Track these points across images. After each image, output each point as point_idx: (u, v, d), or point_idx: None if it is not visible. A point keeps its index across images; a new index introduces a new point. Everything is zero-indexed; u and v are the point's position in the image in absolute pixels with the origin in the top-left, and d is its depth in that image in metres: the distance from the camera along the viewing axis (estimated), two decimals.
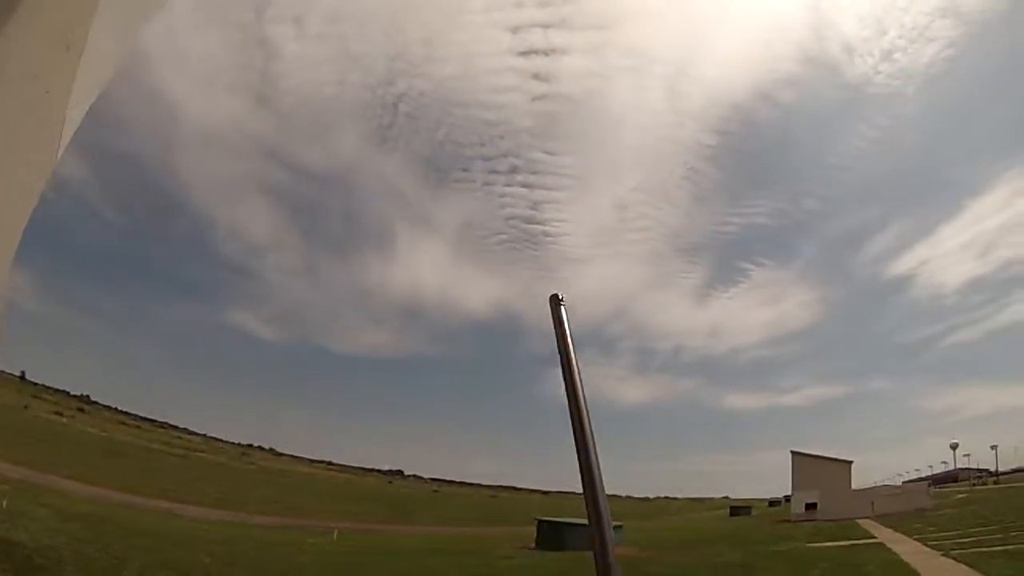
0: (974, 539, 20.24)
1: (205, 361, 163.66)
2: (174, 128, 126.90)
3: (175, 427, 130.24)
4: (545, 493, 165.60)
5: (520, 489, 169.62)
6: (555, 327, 0.99)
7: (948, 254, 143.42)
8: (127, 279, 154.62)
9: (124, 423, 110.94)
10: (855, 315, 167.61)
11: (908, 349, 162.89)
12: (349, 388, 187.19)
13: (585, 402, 0.96)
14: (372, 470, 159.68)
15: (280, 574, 12.86)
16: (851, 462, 54.93)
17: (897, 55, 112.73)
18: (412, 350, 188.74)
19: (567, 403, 0.96)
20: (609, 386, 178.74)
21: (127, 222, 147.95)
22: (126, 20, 1.70)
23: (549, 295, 1.07)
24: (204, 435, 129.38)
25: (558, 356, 0.99)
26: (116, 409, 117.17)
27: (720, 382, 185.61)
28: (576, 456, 0.96)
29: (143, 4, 1.82)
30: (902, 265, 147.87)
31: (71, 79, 1.47)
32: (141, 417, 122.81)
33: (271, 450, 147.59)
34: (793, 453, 56.45)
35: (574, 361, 0.96)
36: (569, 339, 1.01)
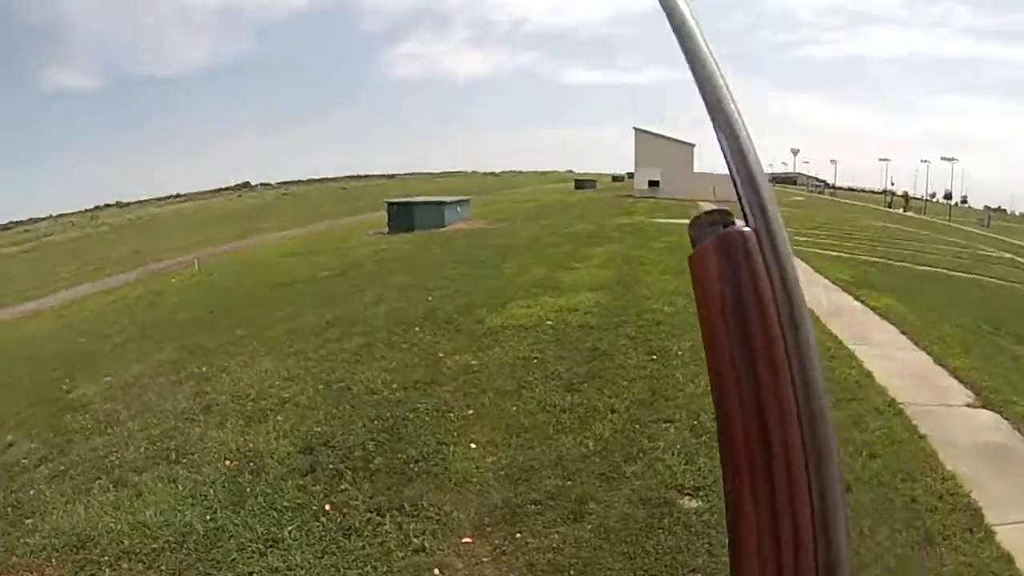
0: (808, 240, 21.45)
1: (32, 136, 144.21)
2: None
3: (20, 222, 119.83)
4: (391, 176, 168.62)
5: (369, 176, 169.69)
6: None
7: None
8: None
9: None
10: (708, 4, 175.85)
11: (758, 51, 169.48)
12: (181, 111, 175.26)
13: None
14: (219, 190, 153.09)
15: (153, 324, 13.28)
16: (694, 144, 54.48)
17: None
18: (238, 54, 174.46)
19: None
20: (447, 61, 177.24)
21: None
22: None
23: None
24: (50, 216, 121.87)
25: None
26: None
27: (562, 55, 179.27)
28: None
29: None
30: None
31: None
32: None
33: (117, 204, 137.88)
34: (636, 130, 55.32)
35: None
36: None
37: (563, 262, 14.27)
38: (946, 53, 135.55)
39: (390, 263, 17.63)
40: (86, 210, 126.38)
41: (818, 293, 11.18)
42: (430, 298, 11.17)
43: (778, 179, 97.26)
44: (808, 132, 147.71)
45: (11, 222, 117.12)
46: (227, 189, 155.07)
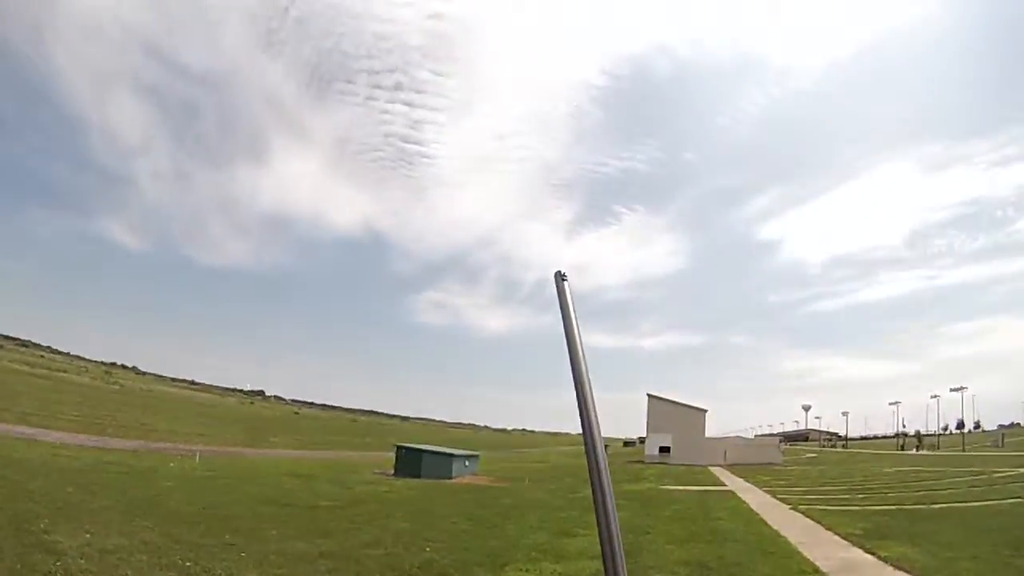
0: (821, 496, 20.99)
1: (68, 273, 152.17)
2: (48, 14, 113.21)
3: (38, 345, 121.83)
4: (404, 419, 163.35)
5: (380, 414, 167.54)
6: (560, 305, 0.92)
7: (818, 227, 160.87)
8: None
9: None
10: (722, 271, 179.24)
11: (770, 310, 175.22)
12: (213, 303, 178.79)
13: (590, 385, 0.83)
14: (234, 390, 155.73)
15: (144, 500, 12.73)
16: (705, 410, 56.36)
17: (806, 32, 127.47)
18: (277, 264, 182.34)
19: (574, 387, 0.84)
20: (470, 314, 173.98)
21: None
22: None
23: (554, 272, 1.01)
24: (68, 354, 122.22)
25: (564, 335, 0.91)
26: None
27: (582, 319, 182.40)
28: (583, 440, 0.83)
29: None
30: (773, 230, 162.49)
31: None
32: (1, 336, 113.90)
33: (134, 368, 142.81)
34: (649, 396, 56.63)
35: (578, 341, 0.86)
36: (574, 318, 0.93)
37: (567, 528, 13.80)
38: (950, 281, 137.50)
39: (393, 506, 17.25)
40: (102, 363, 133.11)
41: (827, 552, 11.01)
42: (428, 549, 10.76)
43: (790, 437, 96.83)
44: (821, 386, 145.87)
45: (30, 341, 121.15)
46: (241, 391, 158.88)
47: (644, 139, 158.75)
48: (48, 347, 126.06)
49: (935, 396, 79.56)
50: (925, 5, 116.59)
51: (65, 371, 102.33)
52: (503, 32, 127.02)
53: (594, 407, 0.81)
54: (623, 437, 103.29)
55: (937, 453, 54.55)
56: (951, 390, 72.24)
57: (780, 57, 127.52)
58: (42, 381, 71.95)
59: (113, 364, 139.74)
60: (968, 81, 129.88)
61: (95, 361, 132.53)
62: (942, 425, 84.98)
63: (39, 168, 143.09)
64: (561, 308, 0.95)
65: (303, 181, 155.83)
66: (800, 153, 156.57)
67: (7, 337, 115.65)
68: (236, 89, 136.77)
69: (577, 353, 0.84)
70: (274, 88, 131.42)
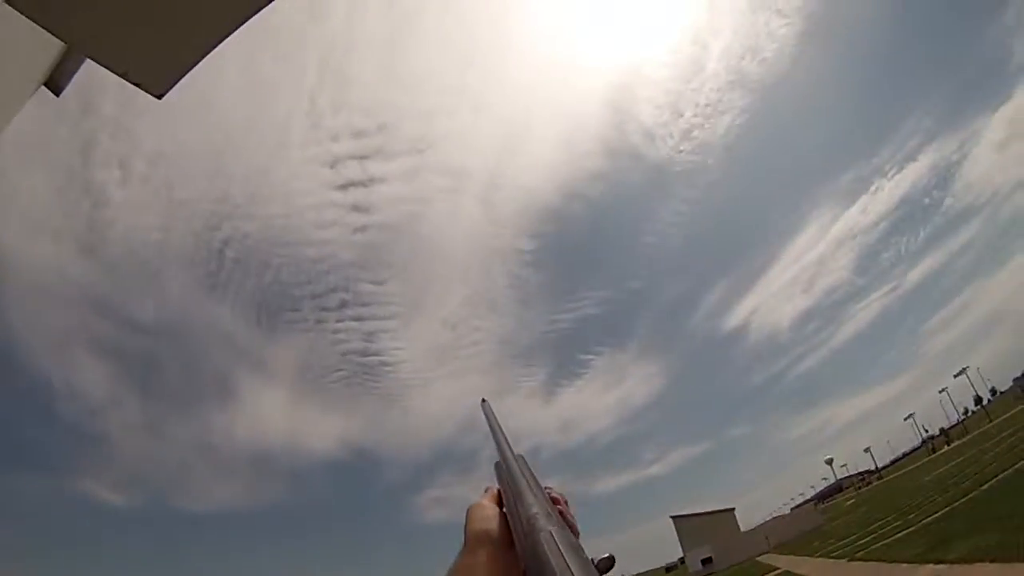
0: (875, 535, 20.36)
1: (57, 536, 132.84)
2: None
3: None
4: None
5: None
6: (490, 427, 1.00)
7: (776, 296, 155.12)
8: None
9: None
10: (700, 375, 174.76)
11: (758, 390, 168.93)
12: (210, 550, 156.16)
13: (536, 492, 0.76)
14: None
15: None
16: (733, 508, 56.04)
17: (695, 132, 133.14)
18: (268, 500, 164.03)
19: (509, 503, 0.78)
20: (476, 500, 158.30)
21: None
22: None
23: (480, 400, 1.08)
24: None
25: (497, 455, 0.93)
26: None
27: (584, 471, 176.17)
28: None
29: None
30: (735, 318, 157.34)
31: None
32: None
33: None
34: (673, 518, 56.70)
35: (510, 454, 0.88)
36: (503, 436, 0.95)
37: None
38: (913, 282, 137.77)
39: None
40: None
41: None
42: None
43: (825, 495, 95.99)
44: (836, 435, 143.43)
45: None
46: None
47: (587, 283, 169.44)
48: None
49: (943, 390, 78.35)
50: (779, 64, 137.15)
51: None
52: (427, 227, 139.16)
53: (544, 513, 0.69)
54: (663, 564, 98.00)
55: (967, 438, 53.42)
56: (955, 376, 71.40)
57: (680, 164, 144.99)
58: None
59: None
60: (848, 102, 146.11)
61: None
62: (962, 411, 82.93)
63: (8, 433, 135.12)
64: (492, 431, 0.98)
65: (274, 413, 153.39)
66: (734, 238, 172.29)
67: None
68: (190, 336, 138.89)
69: (512, 465, 0.82)
70: (226, 328, 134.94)
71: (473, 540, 0.72)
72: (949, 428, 78.04)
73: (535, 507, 0.65)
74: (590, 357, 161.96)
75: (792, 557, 28.58)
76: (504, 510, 0.77)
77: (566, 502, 0.81)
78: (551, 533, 0.58)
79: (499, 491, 0.82)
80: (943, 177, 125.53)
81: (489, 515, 0.76)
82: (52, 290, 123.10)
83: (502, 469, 0.86)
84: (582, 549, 0.59)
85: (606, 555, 0.69)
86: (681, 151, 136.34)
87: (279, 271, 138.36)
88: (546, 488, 0.79)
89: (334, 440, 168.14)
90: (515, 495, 0.73)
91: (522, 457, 0.89)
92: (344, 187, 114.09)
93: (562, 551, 0.56)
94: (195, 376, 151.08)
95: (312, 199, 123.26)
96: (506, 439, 0.95)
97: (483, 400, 1.08)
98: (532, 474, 0.83)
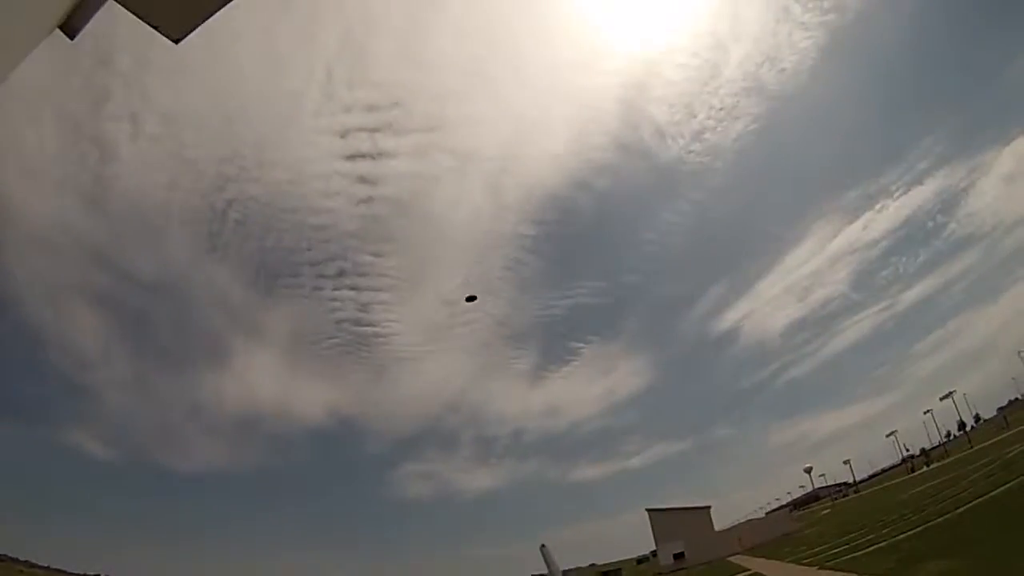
0: (847, 546, 20.60)
1: (42, 487, 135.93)
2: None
3: (15, 560, 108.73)
4: None
5: None
6: (548, 568, 1.03)
7: (770, 303, 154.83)
8: None
9: None
10: (689, 373, 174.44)
11: (745, 394, 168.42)
12: (193, 510, 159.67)
13: None
14: None
15: None
16: (709, 506, 56.39)
17: (707, 134, 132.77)
18: (252, 463, 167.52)
19: None
20: (456, 478, 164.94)
21: None
22: None
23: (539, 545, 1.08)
24: (47, 567, 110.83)
25: None
26: None
27: (564, 457, 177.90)
28: None
29: None
30: (727, 321, 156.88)
31: None
32: None
33: None
34: (648, 511, 56.83)
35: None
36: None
37: None
38: (909, 302, 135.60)
39: None
40: (83, 575, 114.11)
41: None
42: None
43: (801, 502, 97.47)
44: (817, 445, 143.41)
45: (6, 555, 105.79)
46: None
47: (584, 273, 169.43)
48: (27, 561, 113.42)
49: (927, 411, 79.54)
50: (798, 76, 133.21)
51: None
52: (433, 205, 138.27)
53: None
54: (635, 556, 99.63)
55: (946, 461, 54.05)
56: (940, 399, 72.56)
57: (689, 165, 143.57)
58: None
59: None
60: (862, 120, 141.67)
61: (77, 574, 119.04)
62: (944, 434, 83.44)
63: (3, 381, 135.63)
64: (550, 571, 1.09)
65: (265, 377, 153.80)
66: (734, 243, 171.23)
67: None
68: (187, 294, 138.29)
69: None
70: (223, 290, 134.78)
71: None
72: (930, 449, 78.78)
73: None
74: (580, 346, 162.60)
75: (763, 560, 28.99)
76: None
77: None
78: None
79: None
80: (948, 203, 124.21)
81: None
82: (53, 240, 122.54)
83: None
84: None
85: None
86: (691, 152, 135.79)
87: (281, 236, 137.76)
88: None
89: (321, 407, 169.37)
90: None
91: None
92: (352, 157, 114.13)
93: None
94: (189, 335, 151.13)
95: (320, 167, 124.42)
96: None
97: (542, 545, 1.08)
98: None
